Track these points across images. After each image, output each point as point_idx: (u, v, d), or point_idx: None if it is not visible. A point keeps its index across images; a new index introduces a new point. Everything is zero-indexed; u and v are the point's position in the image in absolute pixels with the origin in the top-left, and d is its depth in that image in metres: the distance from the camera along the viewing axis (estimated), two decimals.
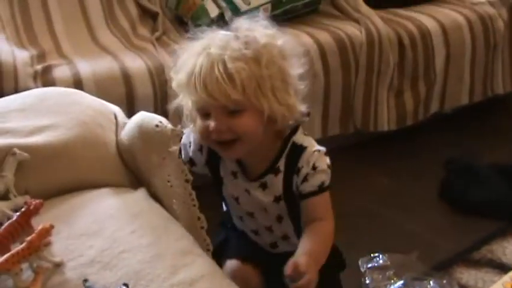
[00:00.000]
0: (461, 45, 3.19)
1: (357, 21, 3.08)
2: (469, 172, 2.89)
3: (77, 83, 2.46)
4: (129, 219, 1.52)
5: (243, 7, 2.92)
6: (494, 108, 3.53)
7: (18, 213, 1.44)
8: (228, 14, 2.91)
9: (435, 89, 3.20)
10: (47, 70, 2.51)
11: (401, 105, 3.12)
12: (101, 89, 2.44)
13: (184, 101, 1.64)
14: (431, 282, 2.25)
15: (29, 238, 1.37)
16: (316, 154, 1.64)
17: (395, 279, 2.28)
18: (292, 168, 1.65)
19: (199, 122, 1.62)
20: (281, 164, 1.66)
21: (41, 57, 2.62)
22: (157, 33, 2.92)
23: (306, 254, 1.56)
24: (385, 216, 2.70)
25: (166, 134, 1.63)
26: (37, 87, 2.41)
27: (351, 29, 3.01)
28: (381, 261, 2.35)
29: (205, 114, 1.59)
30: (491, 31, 3.26)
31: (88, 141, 1.74)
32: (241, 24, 1.63)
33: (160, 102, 2.55)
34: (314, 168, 1.63)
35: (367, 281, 2.26)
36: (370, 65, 2.99)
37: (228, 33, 1.62)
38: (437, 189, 2.86)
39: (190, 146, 1.74)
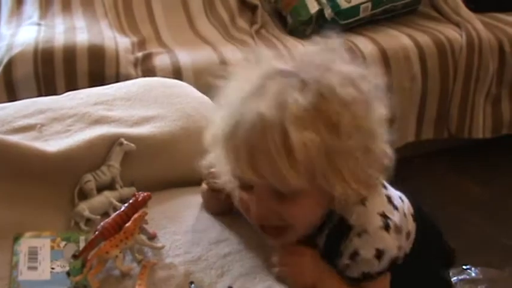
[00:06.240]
0: None
1: (457, 24, 3.02)
2: None
3: (176, 72, 2.47)
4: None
5: (344, 4, 2.88)
6: None
7: (126, 205, 1.45)
8: (328, 11, 2.88)
9: None
10: (148, 58, 2.54)
11: (498, 113, 3.04)
12: (200, 79, 2.44)
13: (218, 160, 1.23)
14: None
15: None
16: (364, 237, 1.20)
17: None
18: (335, 250, 1.27)
19: (237, 191, 1.23)
20: (320, 241, 1.29)
21: (142, 44, 2.65)
22: (255, 26, 2.91)
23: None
24: (478, 227, 2.64)
25: None
26: (137, 74, 2.43)
27: (451, 33, 2.95)
28: (473, 275, 2.29)
29: (245, 186, 1.20)
30: None
31: (193, 134, 1.72)
32: (312, 56, 1.18)
33: None
34: (353, 256, 1.24)
35: None
36: (469, 70, 2.92)
37: (290, 69, 1.14)
38: None
39: None
